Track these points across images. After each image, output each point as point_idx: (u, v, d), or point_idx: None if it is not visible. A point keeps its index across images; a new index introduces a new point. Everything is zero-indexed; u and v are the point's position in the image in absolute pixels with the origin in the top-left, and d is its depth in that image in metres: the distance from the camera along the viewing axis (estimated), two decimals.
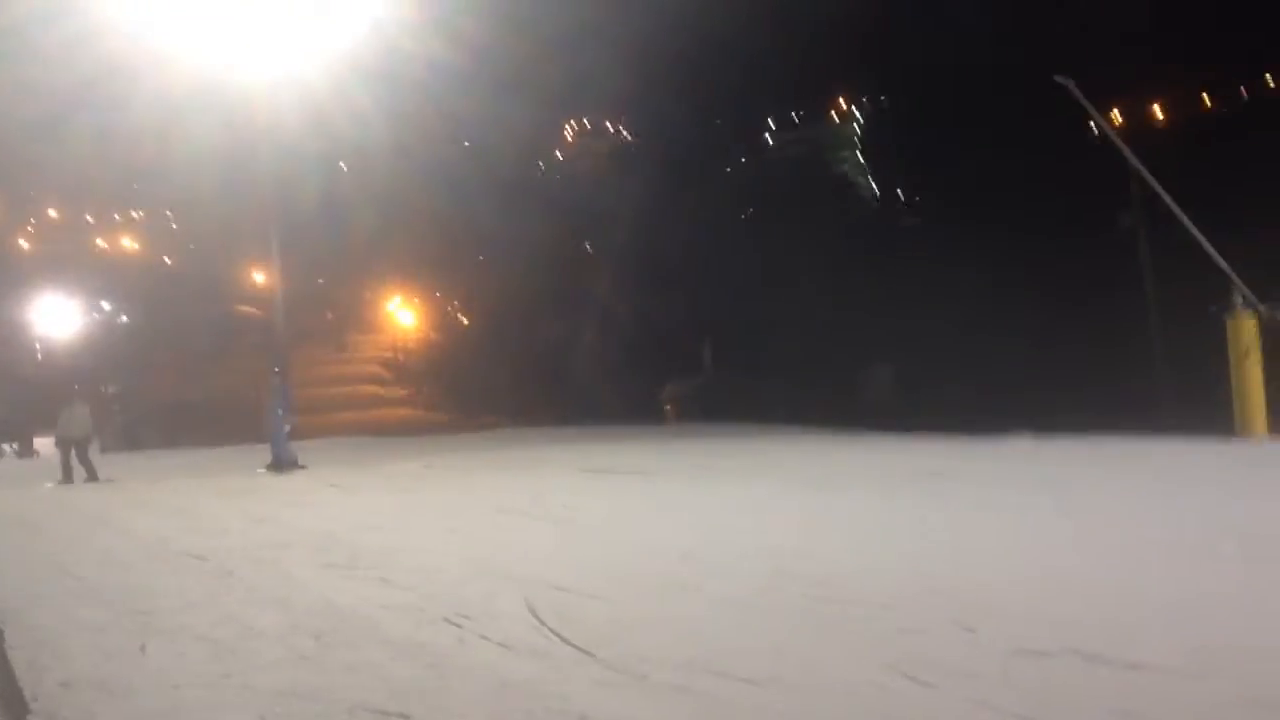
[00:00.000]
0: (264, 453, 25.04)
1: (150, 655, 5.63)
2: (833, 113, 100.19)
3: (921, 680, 4.70)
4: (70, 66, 40.73)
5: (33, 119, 52.89)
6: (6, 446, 38.15)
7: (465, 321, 74.96)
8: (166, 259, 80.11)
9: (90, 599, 6.95)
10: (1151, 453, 13.32)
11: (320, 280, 71.08)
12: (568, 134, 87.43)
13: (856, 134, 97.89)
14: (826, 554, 7.52)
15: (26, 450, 38.16)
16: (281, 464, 17.48)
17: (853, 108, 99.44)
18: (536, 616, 6.07)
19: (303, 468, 17.51)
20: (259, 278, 76.94)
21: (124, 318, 63.86)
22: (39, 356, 52.85)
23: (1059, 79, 16.34)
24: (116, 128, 49.54)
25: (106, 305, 64.39)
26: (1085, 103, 16.96)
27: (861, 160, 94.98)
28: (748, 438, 20.59)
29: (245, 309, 70.76)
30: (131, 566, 7.92)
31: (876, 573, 6.88)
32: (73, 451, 17.56)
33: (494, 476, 13.84)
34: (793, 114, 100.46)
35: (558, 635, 5.65)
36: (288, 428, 18.33)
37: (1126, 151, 16.54)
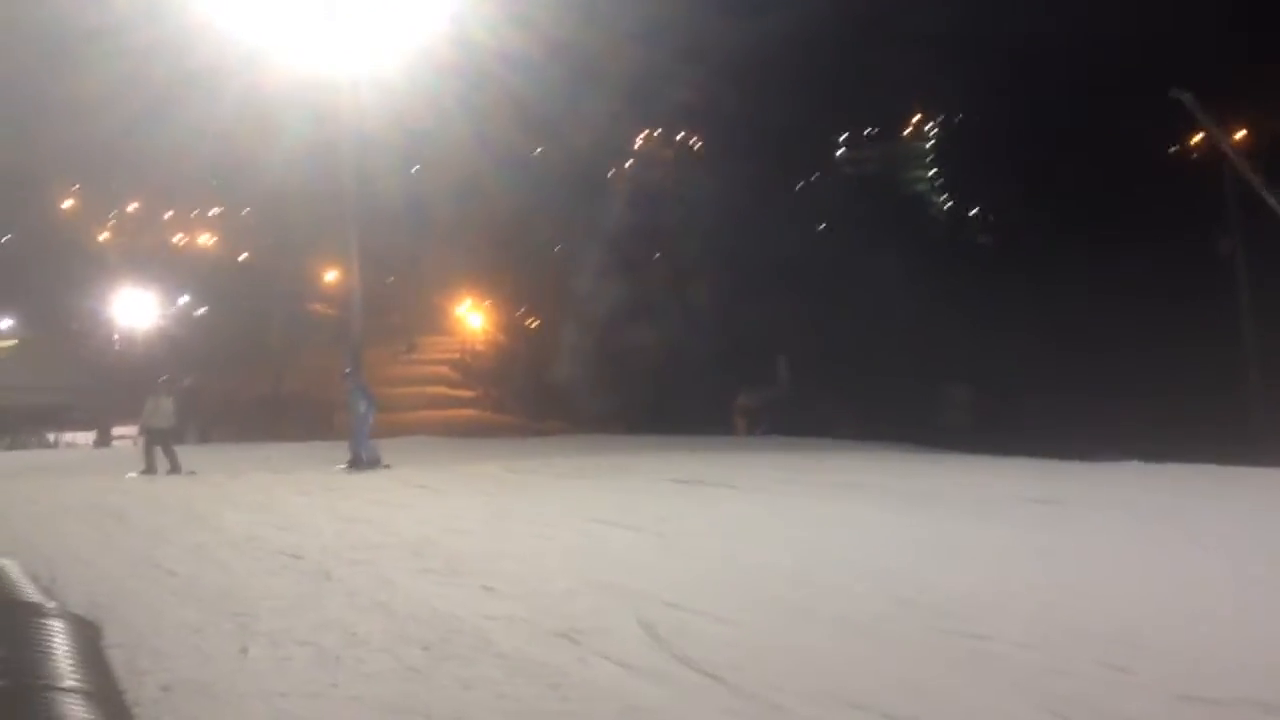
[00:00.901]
0: (337, 450, 25.13)
1: (252, 659, 5.39)
2: (906, 130, 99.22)
3: None
4: (158, 67, 41.50)
5: (119, 117, 53.91)
6: (51, 436, 38.59)
7: (532, 325, 75.16)
8: (242, 256, 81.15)
9: (186, 596, 6.75)
10: (1271, 480, 12.70)
11: (390, 279, 71.69)
12: (642, 132, 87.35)
13: (928, 150, 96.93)
14: (943, 582, 7.10)
15: (104, 439, 38.75)
16: (360, 462, 17.23)
17: (926, 126, 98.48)
18: (653, 635, 5.76)
19: (387, 467, 17.22)
20: (330, 276, 77.70)
21: (201, 310, 64.83)
22: (118, 348, 53.69)
23: (1176, 94, 15.73)
24: (198, 126, 50.30)
25: (183, 299, 65.26)
26: (1205, 119, 16.34)
27: (931, 177, 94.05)
28: (828, 453, 20.11)
29: (318, 307, 71.51)
30: (226, 564, 7.72)
31: (1004, 605, 6.47)
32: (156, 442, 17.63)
33: (580, 484, 13.48)
34: (866, 130, 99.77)
35: (679, 657, 5.33)
36: (372, 420, 18.10)
37: (1246, 169, 15.91)
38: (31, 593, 6.21)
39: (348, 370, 19.45)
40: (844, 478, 13.21)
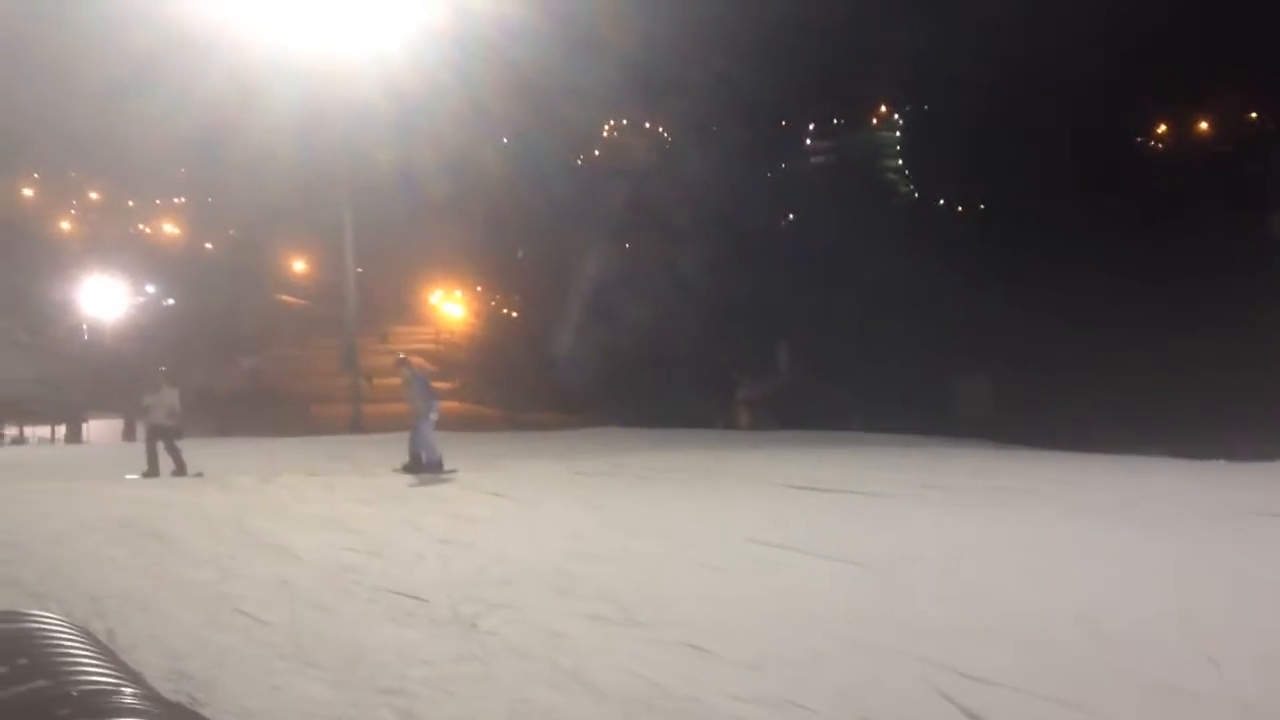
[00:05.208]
0: (336, 445, 23.35)
1: None
2: (874, 120, 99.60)
3: None
4: (124, 47, 39.57)
5: (82, 103, 51.84)
6: (6, 433, 36.22)
7: (513, 314, 73.47)
8: (207, 245, 79.44)
9: (297, 660, 5.00)
10: None
11: (359, 269, 69.52)
12: (626, 111, 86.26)
13: (896, 140, 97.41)
14: None
15: (74, 435, 36.54)
16: (420, 465, 14.84)
17: (894, 114, 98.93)
18: None
19: (453, 471, 14.69)
20: (299, 266, 75.69)
21: (169, 300, 62.61)
22: (85, 338, 51.32)
23: None
24: (169, 108, 48.41)
25: (150, 289, 62.94)
26: None
27: (899, 167, 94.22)
28: (883, 448, 18.39)
29: (287, 298, 69.53)
30: (329, 608, 5.93)
31: None
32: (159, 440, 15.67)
33: (675, 490, 11.51)
34: (834, 120, 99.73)
35: None
36: (434, 417, 15.51)
37: None
38: (104, 669, 4.41)
39: (401, 355, 17.24)
40: (989, 481, 11.29)
